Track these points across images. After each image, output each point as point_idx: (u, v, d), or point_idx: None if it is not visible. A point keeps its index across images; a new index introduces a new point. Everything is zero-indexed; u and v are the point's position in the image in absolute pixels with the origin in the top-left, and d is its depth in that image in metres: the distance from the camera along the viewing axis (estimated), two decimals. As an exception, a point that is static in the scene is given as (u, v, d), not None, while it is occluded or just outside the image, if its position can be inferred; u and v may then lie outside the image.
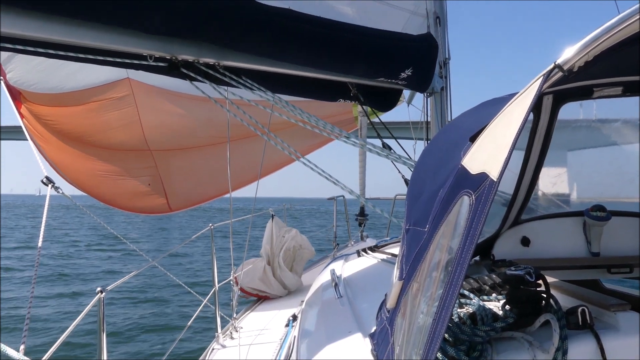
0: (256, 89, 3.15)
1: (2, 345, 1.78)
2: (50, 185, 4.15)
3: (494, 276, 1.91)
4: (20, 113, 5.15)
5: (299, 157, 3.40)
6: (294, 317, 4.30)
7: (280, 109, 3.29)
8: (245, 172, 6.35)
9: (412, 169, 3.54)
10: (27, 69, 4.76)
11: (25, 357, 1.81)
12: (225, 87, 3.27)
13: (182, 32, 2.78)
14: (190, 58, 2.99)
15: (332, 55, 3.33)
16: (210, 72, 3.04)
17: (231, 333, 5.18)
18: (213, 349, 4.83)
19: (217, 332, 5.10)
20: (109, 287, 2.97)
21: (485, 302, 1.75)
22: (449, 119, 4.65)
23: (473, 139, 1.47)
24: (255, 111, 3.57)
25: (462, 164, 1.38)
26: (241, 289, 6.34)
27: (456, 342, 1.54)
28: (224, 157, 5.72)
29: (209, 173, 6.46)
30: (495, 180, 1.16)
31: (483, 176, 1.21)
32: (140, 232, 35.03)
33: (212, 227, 5.69)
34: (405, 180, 5.44)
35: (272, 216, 6.96)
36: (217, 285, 5.39)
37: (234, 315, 5.50)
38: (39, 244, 3.32)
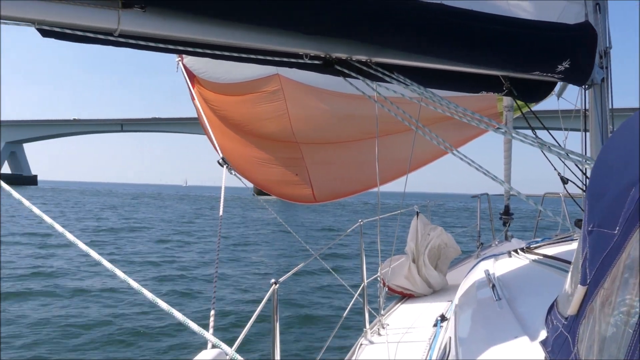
0: (409, 84, 3.13)
1: (197, 326, 1.84)
2: (225, 166, 4.45)
3: None
4: (193, 95, 5.71)
5: (452, 149, 3.32)
6: (443, 317, 4.21)
7: (432, 102, 3.23)
8: (390, 168, 6.36)
9: (587, 165, 3.28)
10: (196, 58, 5.21)
11: (221, 342, 1.88)
12: (376, 83, 3.28)
13: (336, 32, 2.85)
14: (343, 56, 3.03)
15: (486, 49, 3.21)
16: (364, 68, 3.07)
17: (378, 330, 5.19)
18: (361, 345, 4.86)
19: (365, 327, 5.13)
20: (281, 279, 3.09)
21: None
22: (610, 111, 4.32)
23: None
24: (404, 106, 3.54)
25: None
26: (387, 287, 6.35)
27: None
28: (369, 152, 5.78)
29: (354, 168, 6.58)
30: None
31: None
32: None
33: (361, 222, 5.71)
34: (562, 178, 5.11)
35: (417, 213, 6.88)
36: (365, 281, 5.43)
37: (381, 312, 5.50)
38: (220, 216, 3.49)
